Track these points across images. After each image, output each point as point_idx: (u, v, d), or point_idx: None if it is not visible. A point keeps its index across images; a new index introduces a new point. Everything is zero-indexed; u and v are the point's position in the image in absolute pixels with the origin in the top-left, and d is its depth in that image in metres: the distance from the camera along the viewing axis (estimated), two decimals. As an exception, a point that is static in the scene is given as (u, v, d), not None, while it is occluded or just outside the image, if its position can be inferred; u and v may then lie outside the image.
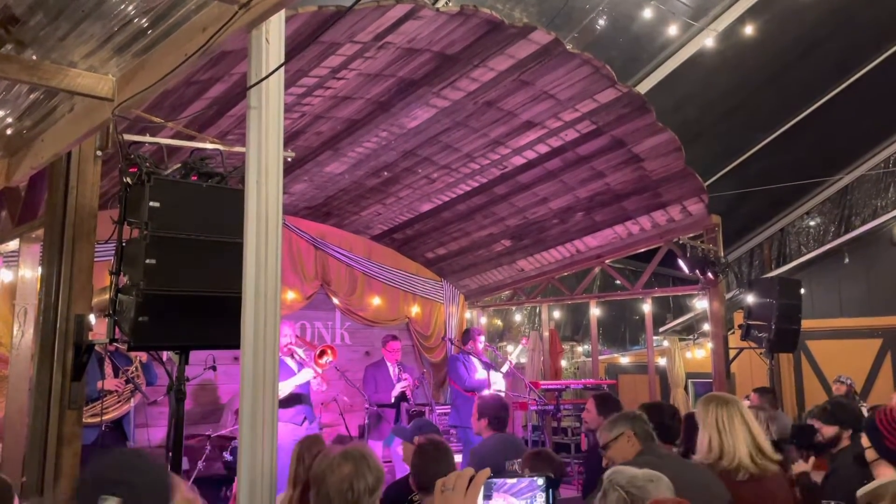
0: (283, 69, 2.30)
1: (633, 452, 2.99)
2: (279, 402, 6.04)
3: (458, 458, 6.58)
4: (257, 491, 2.08)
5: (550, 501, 1.59)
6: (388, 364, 7.16)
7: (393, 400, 6.93)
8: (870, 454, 2.76)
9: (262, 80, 2.20)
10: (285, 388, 5.93)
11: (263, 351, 2.15)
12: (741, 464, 2.93)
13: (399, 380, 7.06)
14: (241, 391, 2.14)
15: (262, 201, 2.21)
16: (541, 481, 1.60)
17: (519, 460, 3.61)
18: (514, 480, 1.58)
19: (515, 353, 8.91)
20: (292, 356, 6.25)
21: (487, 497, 1.50)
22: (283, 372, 6.02)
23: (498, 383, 7.25)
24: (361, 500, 2.18)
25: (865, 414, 4.12)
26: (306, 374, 6.16)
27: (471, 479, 1.41)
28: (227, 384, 7.22)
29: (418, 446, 3.25)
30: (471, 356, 7.35)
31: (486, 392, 6.77)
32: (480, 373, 7.24)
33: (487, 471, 1.44)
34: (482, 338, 7.76)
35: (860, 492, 2.66)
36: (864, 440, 2.80)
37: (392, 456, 7.11)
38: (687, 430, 4.13)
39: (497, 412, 4.50)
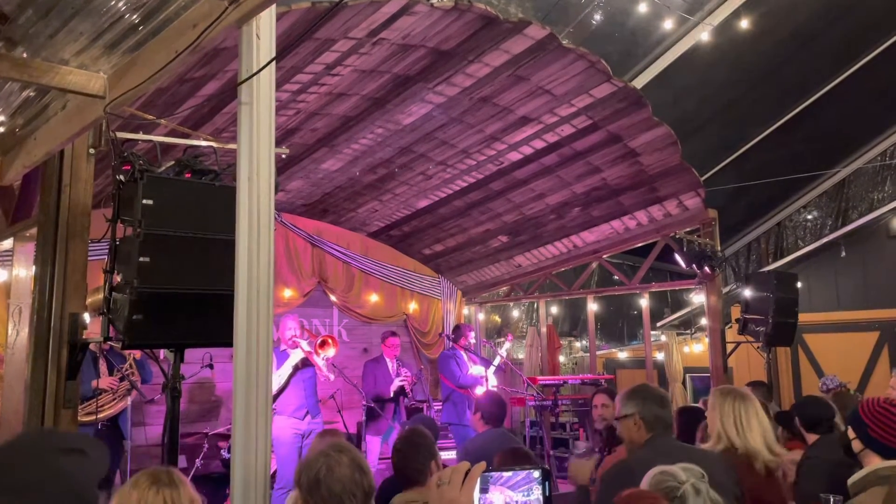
0: (273, 65, 2.29)
1: (640, 438, 2.92)
2: (280, 394, 5.98)
3: (452, 454, 6.59)
4: (251, 488, 2.07)
5: (547, 494, 1.59)
6: (387, 360, 7.17)
7: (392, 394, 6.93)
8: (856, 445, 2.75)
9: (253, 76, 2.19)
10: (282, 372, 5.91)
11: (256, 348, 2.14)
12: (757, 457, 2.99)
13: (398, 375, 7.06)
14: (235, 388, 2.13)
15: (254, 197, 2.20)
16: (537, 474, 1.60)
17: None
18: (509, 474, 1.58)
19: (503, 349, 8.91)
20: (297, 349, 6.25)
21: (484, 490, 1.50)
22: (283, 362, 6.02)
23: (491, 380, 7.25)
24: (373, 483, 2.18)
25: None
26: (297, 355, 6.11)
27: (467, 474, 1.41)
28: (225, 382, 7.22)
29: (396, 440, 3.21)
30: (462, 352, 7.35)
31: (480, 388, 6.78)
32: (473, 369, 7.25)
33: (483, 465, 1.44)
34: (472, 334, 7.75)
35: (850, 480, 2.66)
36: (850, 432, 2.79)
37: (390, 452, 7.10)
38: (682, 423, 4.13)
39: (489, 408, 4.46)
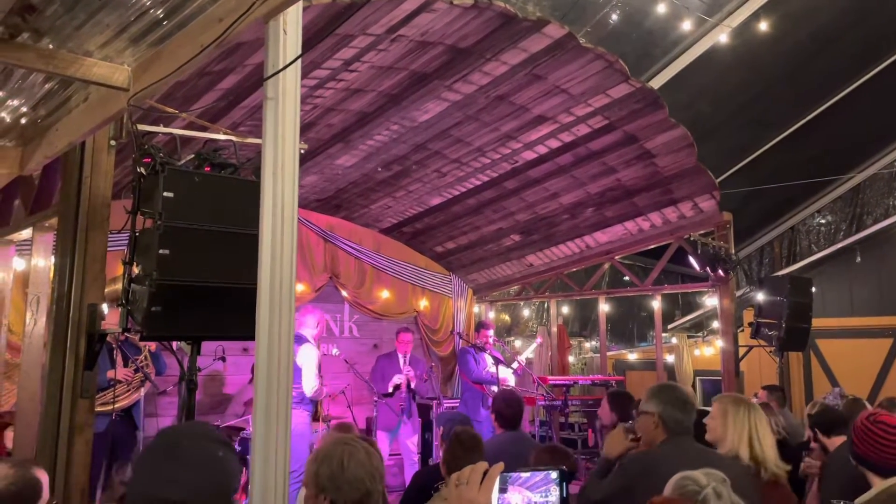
0: (300, 60, 2.29)
1: (657, 438, 2.89)
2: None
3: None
4: (270, 481, 2.08)
5: (564, 495, 1.59)
6: (399, 356, 7.20)
7: (391, 389, 6.92)
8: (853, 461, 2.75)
9: (280, 71, 2.20)
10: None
11: (278, 342, 2.15)
12: (768, 466, 2.95)
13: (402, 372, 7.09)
14: (255, 382, 2.14)
15: (279, 192, 2.20)
16: (555, 475, 1.60)
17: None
18: (528, 474, 1.58)
19: (529, 350, 8.92)
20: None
21: (503, 490, 1.50)
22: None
23: (508, 378, 7.26)
24: (384, 469, 2.27)
25: None
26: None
27: (485, 473, 1.41)
28: (236, 375, 7.25)
29: (453, 435, 3.30)
30: (481, 350, 7.37)
31: (497, 387, 6.79)
32: (491, 367, 7.26)
33: (501, 465, 1.44)
34: (490, 332, 7.76)
35: (860, 500, 2.63)
36: None
37: (400, 448, 7.13)
38: (693, 426, 4.10)
39: (502, 409, 4.36)
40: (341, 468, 2.10)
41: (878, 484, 2.60)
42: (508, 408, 4.35)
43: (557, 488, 1.60)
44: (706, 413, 4.63)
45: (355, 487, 2.11)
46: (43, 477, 2.48)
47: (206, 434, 1.55)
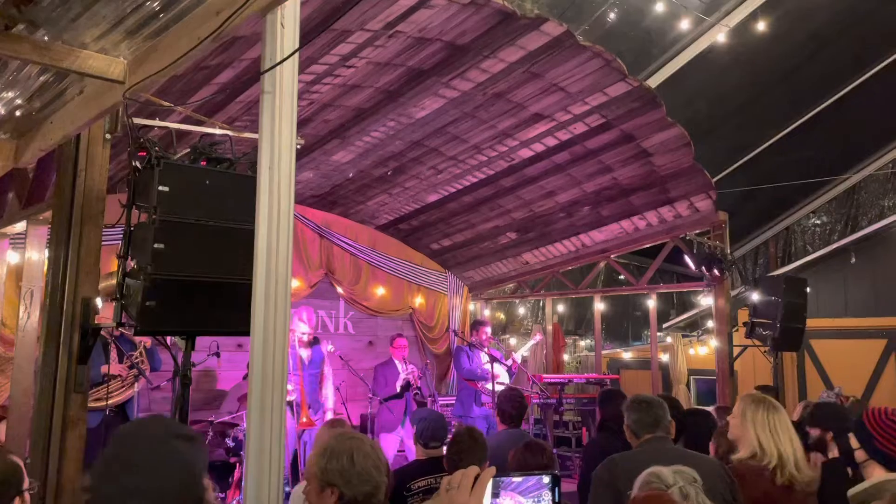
0: (297, 55, 2.28)
1: (634, 444, 3.07)
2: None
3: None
4: (265, 478, 2.08)
5: (557, 499, 1.58)
6: (396, 361, 7.19)
7: (398, 390, 6.94)
8: (859, 455, 2.72)
9: (277, 65, 2.19)
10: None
11: (273, 338, 2.14)
12: (784, 469, 2.95)
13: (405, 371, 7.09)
14: (250, 378, 2.13)
15: (275, 187, 2.19)
16: (547, 479, 1.59)
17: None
18: (520, 479, 1.57)
19: (526, 346, 8.91)
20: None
21: (495, 496, 1.49)
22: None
23: (502, 376, 7.25)
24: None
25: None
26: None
27: (476, 478, 1.39)
28: (230, 371, 7.24)
29: (454, 434, 3.35)
30: (476, 348, 7.36)
31: (492, 384, 6.79)
32: (487, 364, 7.25)
33: (493, 469, 1.43)
34: (488, 329, 7.76)
35: (851, 491, 2.64)
36: (853, 441, 2.77)
37: (405, 447, 7.13)
38: (689, 426, 4.10)
39: (504, 406, 4.41)
40: (351, 462, 2.15)
41: (879, 475, 2.61)
42: (512, 406, 4.43)
43: (550, 493, 1.59)
44: (702, 412, 4.64)
45: (365, 480, 2.17)
46: (19, 461, 2.47)
47: (162, 432, 1.47)
